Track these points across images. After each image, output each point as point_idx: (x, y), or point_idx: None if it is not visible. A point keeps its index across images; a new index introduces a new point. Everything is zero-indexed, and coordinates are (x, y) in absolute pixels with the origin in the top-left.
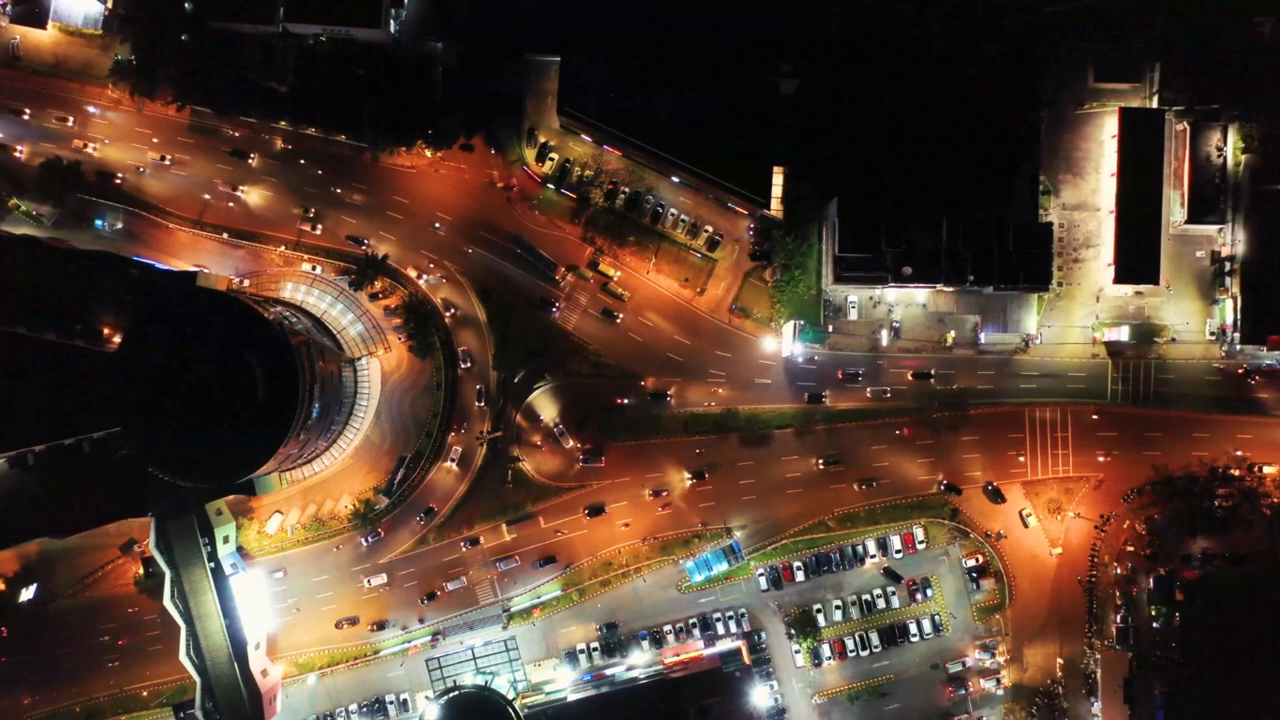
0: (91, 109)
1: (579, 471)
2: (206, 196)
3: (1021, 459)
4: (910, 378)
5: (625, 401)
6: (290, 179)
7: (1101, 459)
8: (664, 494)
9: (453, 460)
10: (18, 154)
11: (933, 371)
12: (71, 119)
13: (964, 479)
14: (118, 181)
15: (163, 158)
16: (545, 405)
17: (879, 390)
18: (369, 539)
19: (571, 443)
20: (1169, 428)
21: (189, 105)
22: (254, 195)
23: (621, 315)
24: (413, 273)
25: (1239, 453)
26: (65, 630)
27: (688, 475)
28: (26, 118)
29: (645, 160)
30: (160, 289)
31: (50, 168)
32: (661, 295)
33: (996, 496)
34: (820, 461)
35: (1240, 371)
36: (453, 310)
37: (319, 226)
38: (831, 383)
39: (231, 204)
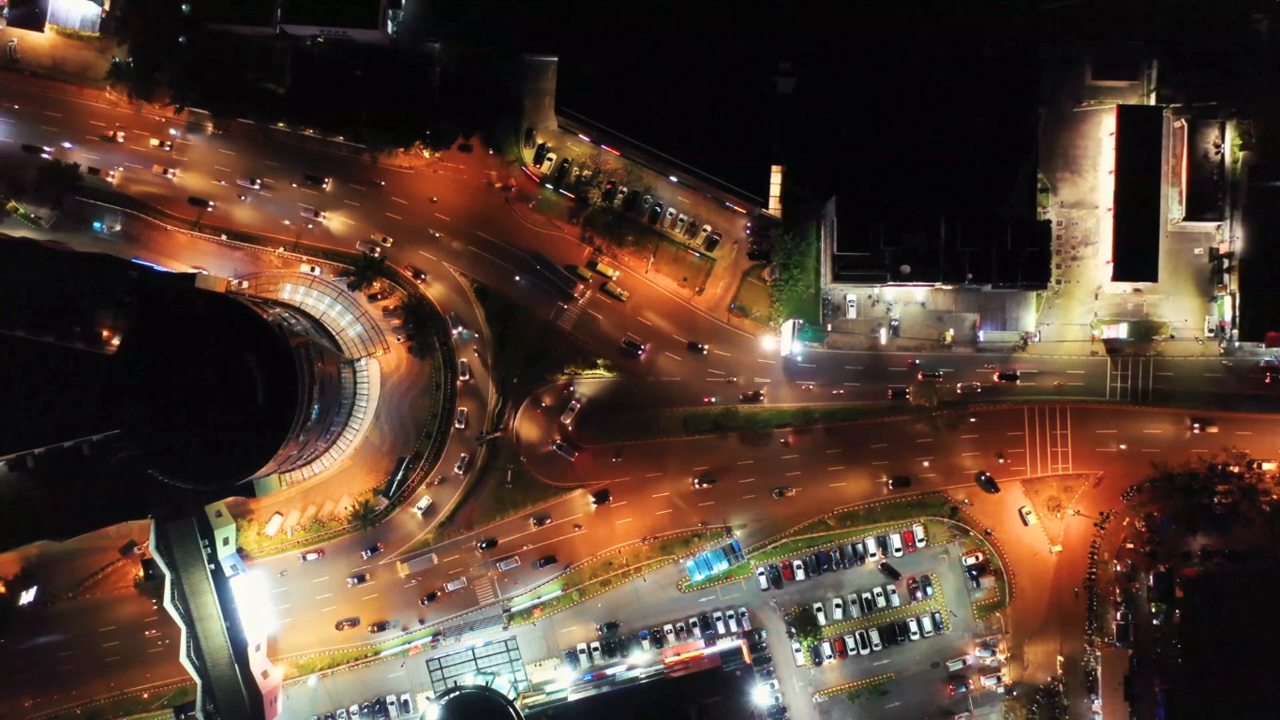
0: (174, 131)
1: (561, 463)
2: (287, 222)
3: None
4: (996, 379)
5: (712, 400)
6: (371, 207)
7: (1000, 460)
8: (547, 521)
9: (419, 508)
10: (109, 178)
11: (1018, 372)
12: (169, 144)
13: (960, 475)
14: (210, 209)
15: (253, 181)
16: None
17: (969, 387)
18: (306, 558)
19: (568, 420)
20: (1168, 425)
21: (187, 107)
22: (335, 221)
23: (707, 347)
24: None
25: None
26: (66, 633)
27: (592, 500)
28: (121, 140)
29: (643, 160)
30: (159, 291)
31: (49, 170)
32: (660, 294)
33: (990, 486)
34: (696, 481)
35: (1267, 381)
36: (468, 375)
37: (378, 250)
38: (895, 379)
39: (310, 226)
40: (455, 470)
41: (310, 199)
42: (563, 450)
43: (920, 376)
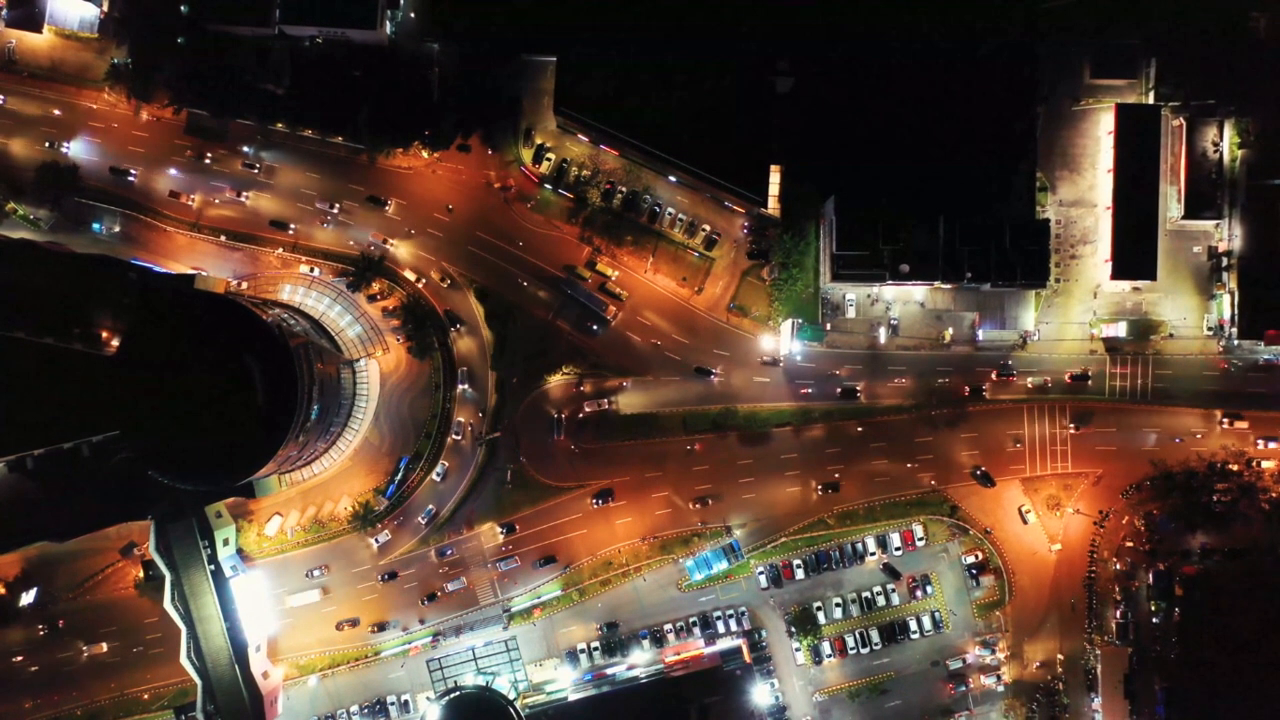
0: (248, 149)
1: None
2: (351, 243)
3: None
4: (1068, 379)
5: (809, 391)
6: (433, 241)
7: (910, 466)
8: (450, 553)
9: (376, 540)
10: (189, 202)
11: (1090, 372)
12: (257, 166)
13: (957, 474)
14: (291, 232)
15: (332, 205)
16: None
17: (1039, 383)
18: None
19: (589, 409)
20: (1167, 423)
21: (185, 108)
22: (402, 250)
23: (781, 359)
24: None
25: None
26: (66, 634)
27: (500, 530)
28: (208, 161)
29: (642, 159)
30: (158, 292)
31: (48, 171)
32: (659, 294)
33: (986, 480)
34: (593, 501)
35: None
36: (460, 436)
37: (447, 281)
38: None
39: (378, 254)
40: (419, 519)
41: (380, 224)
42: (555, 428)
43: (995, 375)
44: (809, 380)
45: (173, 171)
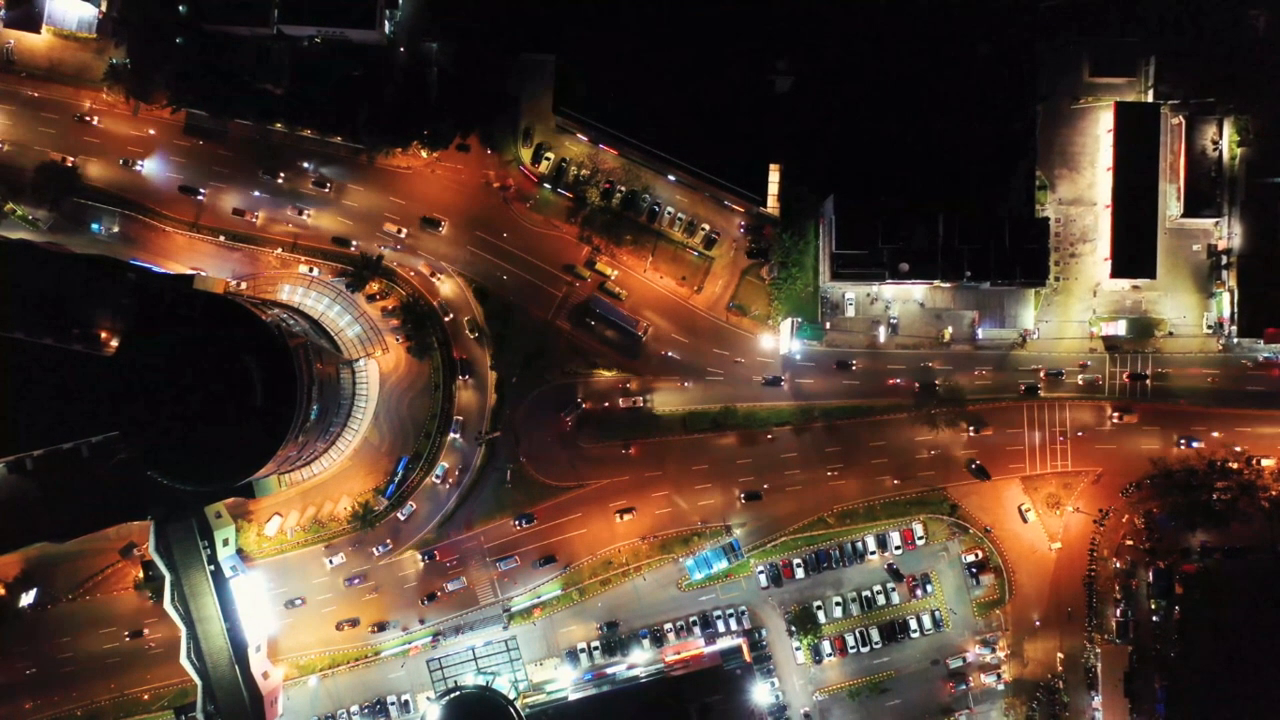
0: (307, 164)
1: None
2: (400, 267)
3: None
4: (1126, 379)
5: (897, 382)
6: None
7: (830, 473)
8: (356, 582)
9: (329, 560)
10: (252, 219)
11: (1149, 373)
12: (329, 185)
13: (956, 473)
14: (352, 248)
15: (400, 230)
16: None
17: (1089, 379)
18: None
19: (623, 403)
20: (1167, 421)
21: (184, 108)
22: (447, 286)
23: (856, 363)
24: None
25: (1238, 447)
26: (66, 634)
27: (421, 558)
28: (280, 181)
29: (641, 159)
30: (157, 292)
31: (47, 171)
32: (659, 294)
33: (981, 474)
34: (515, 523)
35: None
36: (443, 480)
37: (478, 333)
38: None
39: (429, 285)
40: (374, 550)
41: (435, 245)
42: (567, 410)
43: (1044, 374)
44: (809, 376)
45: (256, 194)
